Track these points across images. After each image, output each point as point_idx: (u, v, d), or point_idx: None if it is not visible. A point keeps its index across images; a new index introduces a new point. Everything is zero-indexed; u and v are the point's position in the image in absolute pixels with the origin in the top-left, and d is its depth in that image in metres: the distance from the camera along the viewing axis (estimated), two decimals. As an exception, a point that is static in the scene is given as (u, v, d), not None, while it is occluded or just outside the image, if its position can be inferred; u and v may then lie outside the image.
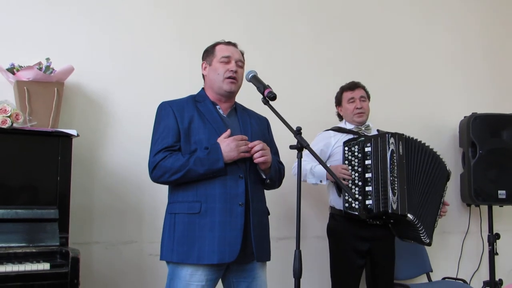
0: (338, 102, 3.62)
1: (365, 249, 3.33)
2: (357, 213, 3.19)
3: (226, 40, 2.75)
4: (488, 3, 4.91)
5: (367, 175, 3.20)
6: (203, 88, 2.77)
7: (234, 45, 2.74)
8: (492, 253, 4.25)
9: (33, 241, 2.59)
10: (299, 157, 2.41)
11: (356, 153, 3.27)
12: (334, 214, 3.44)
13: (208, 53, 2.74)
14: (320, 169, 3.31)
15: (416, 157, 3.30)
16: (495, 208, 4.35)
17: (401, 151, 3.22)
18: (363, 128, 3.48)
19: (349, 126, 3.52)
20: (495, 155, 4.21)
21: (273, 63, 3.92)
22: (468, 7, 4.81)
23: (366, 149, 3.23)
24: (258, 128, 2.73)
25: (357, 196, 3.20)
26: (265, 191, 2.75)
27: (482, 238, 4.46)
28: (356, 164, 3.25)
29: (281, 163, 2.81)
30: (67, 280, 2.46)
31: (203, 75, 2.77)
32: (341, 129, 3.50)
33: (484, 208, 4.39)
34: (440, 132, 4.49)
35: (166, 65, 3.63)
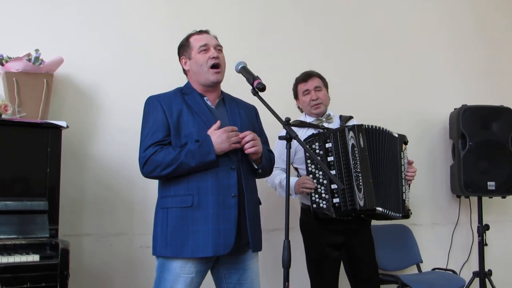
0: (295, 95, 3.50)
1: (340, 242, 3.24)
2: (326, 213, 3.11)
3: (197, 30, 2.72)
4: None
5: (331, 172, 3.09)
6: (188, 81, 2.74)
7: (207, 32, 2.71)
8: (482, 244, 4.28)
9: (23, 233, 2.58)
10: (288, 147, 2.42)
11: (317, 150, 3.14)
12: (305, 209, 3.34)
13: (184, 47, 2.70)
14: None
15: (378, 146, 3.20)
16: (485, 199, 4.37)
17: (362, 143, 3.12)
18: (324, 119, 3.38)
19: (309, 118, 3.43)
20: (485, 147, 4.23)
21: (264, 53, 3.92)
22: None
23: (327, 145, 3.12)
24: (247, 118, 2.72)
25: (323, 195, 3.11)
26: (257, 181, 2.74)
27: (471, 229, 4.49)
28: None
29: (271, 151, 2.81)
30: (56, 271, 2.46)
31: (184, 71, 2.75)
32: (302, 123, 3.38)
33: (474, 199, 4.41)
34: (430, 124, 4.51)
35: (157, 57, 3.62)
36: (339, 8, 4.34)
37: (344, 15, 4.36)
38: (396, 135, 3.31)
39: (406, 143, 3.37)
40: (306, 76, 3.43)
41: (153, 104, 2.59)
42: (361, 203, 3.03)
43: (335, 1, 4.34)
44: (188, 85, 2.72)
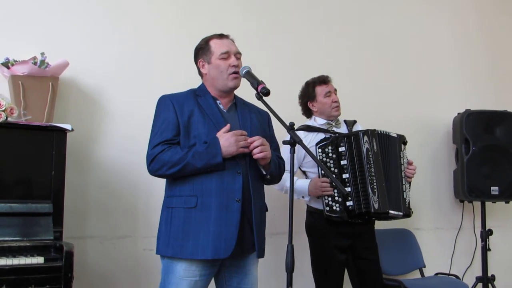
0: (311, 97, 3.44)
1: (347, 245, 3.27)
2: (338, 215, 3.15)
3: (217, 33, 2.70)
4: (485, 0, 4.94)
5: (344, 175, 3.16)
6: (203, 83, 2.73)
7: (227, 37, 2.71)
8: (485, 249, 4.28)
9: (27, 235, 2.60)
10: (292, 152, 2.42)
11: (330, 154, 3.20)
12: (312, 212, 3.37)
13: (203, 50, 2.68)
14: (300, 184, 3.24)
15: (386, 150, 3.27)
16: (488, 204, 4.37)
17: (375, 148, 3.20)
18: (333, 124, 3.40)
19: (319, 121, 3.44)
20: (488, 152, 4.23)
21: (268, 58, 3.93)
22: (464, 3, 4.82)
23: (340, 149, 3.18)
24: (258, 123, 2.71)
25: (336, 198, 3.15)
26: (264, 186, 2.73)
27: (475, 234, 4.49)
28: (332, 165, 3.19)
29: (281, 158, 2.79)
30: (61, 273, 2.48)
31: (200, 73, 2.73)
32: (311, 128, 3.40)
33: (477, 204, 4.41)
34: (433, 129, 4.52)
35: (161, 61, 3.63)
36: (342, 14, 4.36)
37: (348, 20, 4.37)
38: (395, 135, 3.38)
39: (405, 143, 3.43)
40: (326, 79, 3.46)
41: (165, 103, 2.59)
42: (376, 205, 3.10)
43: (338, 6, 4.35)
44: (202, 87, 2.70)
